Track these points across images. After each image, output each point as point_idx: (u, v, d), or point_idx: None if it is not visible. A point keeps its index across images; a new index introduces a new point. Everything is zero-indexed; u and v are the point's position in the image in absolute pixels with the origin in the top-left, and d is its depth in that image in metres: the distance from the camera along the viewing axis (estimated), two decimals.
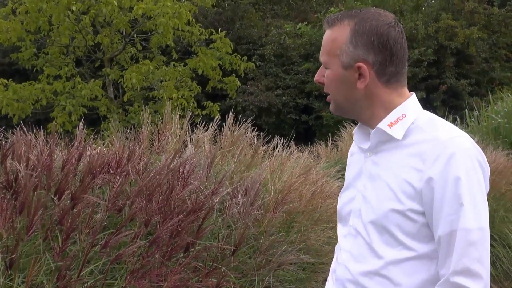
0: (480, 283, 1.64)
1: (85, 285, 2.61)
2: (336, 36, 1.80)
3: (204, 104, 13.68)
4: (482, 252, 1.65)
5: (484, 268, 1.65)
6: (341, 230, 1.97)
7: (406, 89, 1.87)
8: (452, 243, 1.65)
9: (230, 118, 4.73)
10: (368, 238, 1.80)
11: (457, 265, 1.64)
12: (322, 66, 1.86)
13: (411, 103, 1.83)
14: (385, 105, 1.81)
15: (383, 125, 1.79)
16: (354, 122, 9.92)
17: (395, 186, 1.74)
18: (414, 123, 1.79)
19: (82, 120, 3.89)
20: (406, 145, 1.77)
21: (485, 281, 1.65)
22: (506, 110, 11.36)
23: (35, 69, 13.76)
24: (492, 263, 6.23)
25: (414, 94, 1.88)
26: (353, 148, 2.04)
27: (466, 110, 12.36)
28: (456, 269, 1.64)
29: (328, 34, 1.83)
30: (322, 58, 1.84)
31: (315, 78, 1.88)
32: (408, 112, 1.80)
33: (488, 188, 1.75)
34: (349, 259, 1.86)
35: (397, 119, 1.79)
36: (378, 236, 1.78)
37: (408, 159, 1.74)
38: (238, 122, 4.84)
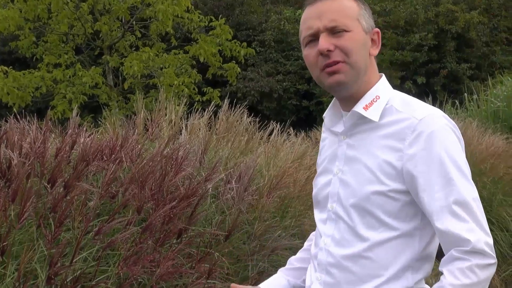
0: (492, 248, 1.63)
1: (78, 271, 2.63)
2: (349, 4, 1.79)
3: (205, 90, 13.68)
4: (484, 221, 1.65)
5: (489, 233, 1.64)
6: (318, 215, 1.95)
7: None
8: (453, 216, 1.64)
9: (225, 104, 4.74)
10: (350, 221, 1.79)
11: (470, 235, 1.62)
12: (325, 34, 1.76)
13: (383, 84, 1.85)
14: (371, 81, 1.84)
15: (358, 107, 1.80)
16: None
17: (374, 167, 1.75)
18: (388, 103, 1.80)
19: (77, 107, 3.90)
20: (383, 126, 1.78)
21: (491, 244, 1.64)
22: (505, 93, 11.33)
23: (34, 57, 13.75)
24: None
25: (383, 75, 1.90)
26: (324, 134, 2.04)
27: (466, 94, 12.33)
28: (475, 238, 1.61)
29: (336, 3, 1.78)
30: (341, 21, 1.76)
31: (324, 46, 1.74)
32: (381, 93, 1.82)
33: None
34: (330, 243, 1.84)
35: (371, 101, 1.80)
36: (360, 219, 1.77)
37: (386, 140, 1.75)
38: (235, 108, 4.84)
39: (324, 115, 1.99)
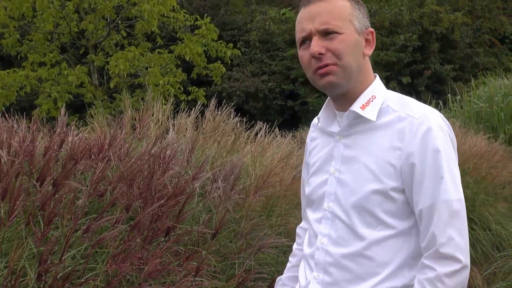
0: (462, 252, 1.69)
1: (67, 269, 2.65)
2: (342, 5, 1.81)
3: (190, 90, 13.68)
4: (463, 222, 1.71)
5: (465, 238, 1.71)
6: (312, 215, 1.97)
7: None
8: (435, 216, 1.69)
9: (212, 103, 4.76)
10: (348, 220, 1.82)
11: (443, 236, 1.68)
12: (316, 37, 1.79)
13: (378, 84, 1.89)
14: (367, 80, 1.87)
15: (355, 107, 1.82)
16: None
17: (374, 167, 1.78)
18: (384, 103, 1.83)
19: (64, 106, 3.91)
20: (381, 126, 1.80)
21: (466, 250, 1.70)
22: (488, 94, 11.46)
23: (19, 56, 13.68)
24: (473, 246, 6.32)
25: (377, 75, 1.93)
26: (313, 134, 2.06)
27: (449, 95, 12.45)
28: (442, 240, 1.68)
29: (329, 4, 1.80)
30: (332, 24, 1.78)
31: (316, 49, 1.77)
32: (377, 93, 1.85)
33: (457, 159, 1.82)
34: (328, 243, 1.87)
35: (367, 101, 1.83)
36: (359, 218, 1.80)
37: (385, 139, 1.78)
38: (222, 108, 4.87)
39: (318, 115, 2.00)
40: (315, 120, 2.05)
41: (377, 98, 1.84)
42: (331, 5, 1.80)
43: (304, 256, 2.02)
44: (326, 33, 1.78)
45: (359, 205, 1.79)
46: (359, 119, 1.83)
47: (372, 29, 1.87)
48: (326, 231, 1.88)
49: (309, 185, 2.00)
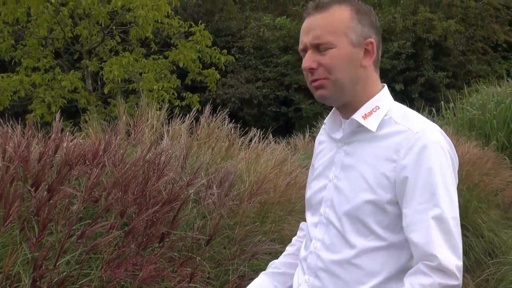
0: (459, 272, 1.67)
1: (62, 275, 2.66)
2: (338, 17, 1.79)
3: (184, 95, 13.69)
4: (458, 241, 1.69)
5: (461, 256, 1.69)
6: (310, 218, 1.99)
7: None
8: (430, 230, 1.67)
9: (207, 110, 4.77)
10: (340, 227, 1.82)
11: (444, 252, 1.66)
12: (310, 51, 1.82)
13: (385, 94, 1.88)
14: (371, 91, 1.85)
15: (357, 116, 1.82)
16: None
17: (369, 177, 1.78)
18: (388, 114, 1.83)
19: (59, 112, 3.91)
20: (380, 137, 1.80)
21: (460, 267, 1.68)
22: (480, 102, 11.51)
23: (13, 60, 13.66)
24: (465, 253, 6.35)
25: (385, 85, 1.93)
26: (321, 137, 2.07)
27: (442, 102, 12.50)
28: (444, 255, 1.65)
29: (326, 16, 1.80)
30: (324, 38, 1.79)
31: (306, 64, 1.81)
32: (382, 104, 1.84)
33: (457, 180, 1.79)
34: (321, 248, 1.88)
35: (371, 111, 1.82)
36: (351, 226, 1.80)
37: (382, 151, 1.78)
38: (216, 114, 4.88)
39: (325, 120, 2.01)
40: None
41: (381, 108, 1.83)
42: (327, 18, 1.80)
43: (299, 259, 2.03)
44: (319, 48, 1.79)
45: (352, 213, 1.80)
46: (360, 128, 1.84)
47: (372, 40, 1.82)
48: (320, 236, 1.89)
49: (310, 189, 2.02)
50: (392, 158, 1.75)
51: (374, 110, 1.83)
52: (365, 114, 1.82)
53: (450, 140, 1.81)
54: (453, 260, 1.66)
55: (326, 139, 2.03)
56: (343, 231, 1.82)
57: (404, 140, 1.74)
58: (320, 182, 1.95)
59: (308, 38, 1.81)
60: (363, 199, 1.77)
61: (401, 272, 1.76)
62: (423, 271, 1.67)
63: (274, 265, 2.22)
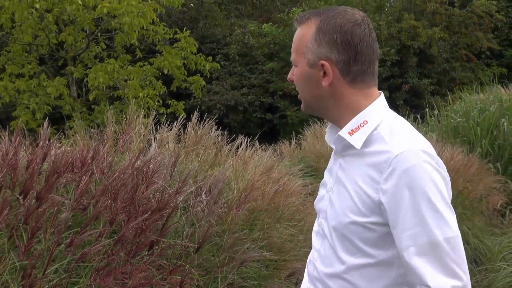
0: (459, 282, 1.63)
1: (50, 283, 2.64)
2: (302, 34, 1.80)
3: (169, 103, 13.67)
4: (458, 261, 1.64)
5: (462, 270, 1.64)
6: (315, 225, 1.99)
7: (374, 90, 1.85)
8: (420, 258, 1.63)
9: (194, 117, 4.77)
10: (332, 242, 1.82)
11: (436, 279, 1.62)
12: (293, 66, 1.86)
13: (375, 107, 1.81)
14: (351, 106, 1.79)
15: (343, 132, 1.79)
16: (320, 120, 10.05)
17: (355, 196, 1.74)
18: (377, 129, 1.77)
19: (45, 118, 3.88)
20: (367, 154, 1.75)
21: (465, 281, 1.64)
22: (464, 109, 11.59)
23: None
24: None
25: (382, 94, 1.87)
26: None
27: (427, 109, 12.58)
28: (436, 282, 1.62)
29: (296, 33, 1.83)
30: (292, 57, 1.85)
31: (288, 76, 1.87)
32: (371, 118, 1.78)
33: (451, 196, 1.73)
34: (317, 258, 1.90)
35: (358, 126, 1.77)
36: (339, 242, 1.79)
37: (367, 169, 1.73)
38: (204, 122, 4.88)
39: (326, 129, 1.99)
40: None
41: (369, 123, 1.77)
42: (297, 35, 1.84)
43: (307, 262, 2.05)
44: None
45: (339, 230, 1.79)
46: (349, 143, 1.80)
47: (324, 62, 1.76)
48: (318, 246, 1.92)
49: (318, 194, 2.00)
50: (375, 178, 1.70)
51: (362, 125, 1.77)
52: (352, 130, 1.78)
53: (439, 159, 1.73)
54: (448, 283, 1.61)
55: None
56: (334, 245, 1.82)
57: (385, 162, 1.68)
58: (322, 191, 1.96)
59: None
60: (349, 219, 1.74)
61: (393, 286, 1.75)
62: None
63: None
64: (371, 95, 1.83)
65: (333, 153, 1.92)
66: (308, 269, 1.95)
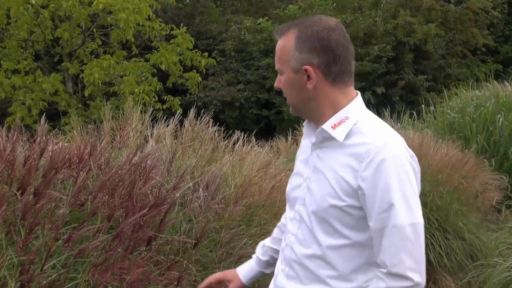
0: (414, 272, 1.82)
1: (48, 279, 2.64)
2: (284, 45, 2.00)
3: (165, 98, 13.66)
4: (417, 244, 1.85)
5: (418, 259, 1.84)
6: (288, 212, 2.17)
7: (351, 89, 2.04)
8: (385, 238, 1.84)
9: (191, 113, 4.77)
10: (310, 225, 2.00)
11: (394, 259, 1.83)
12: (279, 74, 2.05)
13: (354, 105, 2.01)
14: (333, 103, 1.99)
15: (327, 126, 1.97)
16: None
17: (334, 183, 1.93)
18: (357, 124, 1.96)
19: (41, 114, 3.88)
20: (347, 146, 1.94)
21: (419, 270, 1.83)
22: (460, 106, 11.60)
23: None
24: (447, 255, 6.39)
25: (359, 94, 2.06)
26: (305, 134, 2.21)
27: (423, 105, 12.58)
28: (393, 261, 1.82)
29: (278, 44, 2.03)
30: (276, 66, 2.03)
31: (275, 84, 2.07)
32: (351, 115, 1.97)
33: (420, 188, 1.96)
34: (294, 242, 2.06)
35: (340, 121, 1.96)
36: (318, 225, 1.97)
37: (347, 159, 1.92)
38: (200, 117, 4.88)
39: (304, 123, 2.18)
40: None
41: (350, 119, 1.96)
42: (279, 46, 2.04)
43: (280, 248, 2.21)
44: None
45: (318, 214, 1.97)
46: (330, 136, 1.97)
47: (307, 67, 1.95)
48: (294, 231, 2.07)
49: (290, 184, 2.19)
50: (354, 167, 1.89)
51: (344, 120, 1.97)
52: (335, 125, 1.96)
53: (413, 153, 1.94)
54: (406, 265, 1.82)
55: (306, 136, 2.18)
56: (312, 228, 1.99)
57: (366, 153, 1.88)
58: (297, 180, 2.12)
59: None
60: (328, 203, 1.93)
61: (367, 265, 1.96)
62: (379, 276, 1.87)
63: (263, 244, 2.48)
64: (349, 94, 2.03)
65: (309, 145, 2.09)
66: (285, 254, 2.10)
